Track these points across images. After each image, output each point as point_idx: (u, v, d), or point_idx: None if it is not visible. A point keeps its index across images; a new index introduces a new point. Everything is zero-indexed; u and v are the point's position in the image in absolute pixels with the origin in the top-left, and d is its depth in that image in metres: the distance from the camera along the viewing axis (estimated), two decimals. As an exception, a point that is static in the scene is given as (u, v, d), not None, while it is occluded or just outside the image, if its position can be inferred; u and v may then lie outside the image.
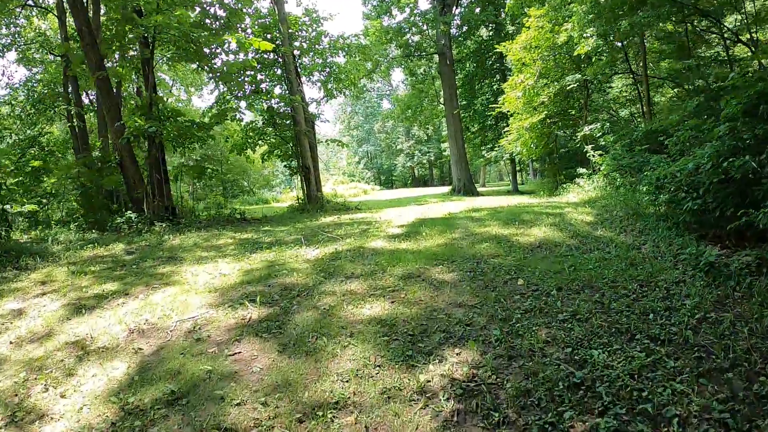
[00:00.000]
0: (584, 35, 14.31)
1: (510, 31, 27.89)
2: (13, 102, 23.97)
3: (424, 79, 33.73)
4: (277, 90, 21.43)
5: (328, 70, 23.93)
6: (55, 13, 20.89)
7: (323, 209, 19.74)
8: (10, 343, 5.36)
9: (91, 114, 22.25)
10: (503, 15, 29.01)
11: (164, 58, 17.98)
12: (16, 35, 23.89)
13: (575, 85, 16.12)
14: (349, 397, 3.67)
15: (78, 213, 17.26)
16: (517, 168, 34.28)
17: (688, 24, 17.34)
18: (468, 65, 31.20)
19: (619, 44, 16.80)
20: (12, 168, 17.07)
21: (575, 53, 15.04)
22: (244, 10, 20.81)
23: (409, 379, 3.83)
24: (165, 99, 32.09)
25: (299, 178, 21.47)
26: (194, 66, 19.81)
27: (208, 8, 16.67)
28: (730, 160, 6.42)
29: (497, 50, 28.71)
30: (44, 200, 18.54)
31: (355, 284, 6.20)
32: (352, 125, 68.00)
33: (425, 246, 8.15)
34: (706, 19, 16.98)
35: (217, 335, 5.12)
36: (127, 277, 7.83)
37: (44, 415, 3.93)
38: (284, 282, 6.66)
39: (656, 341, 4.21)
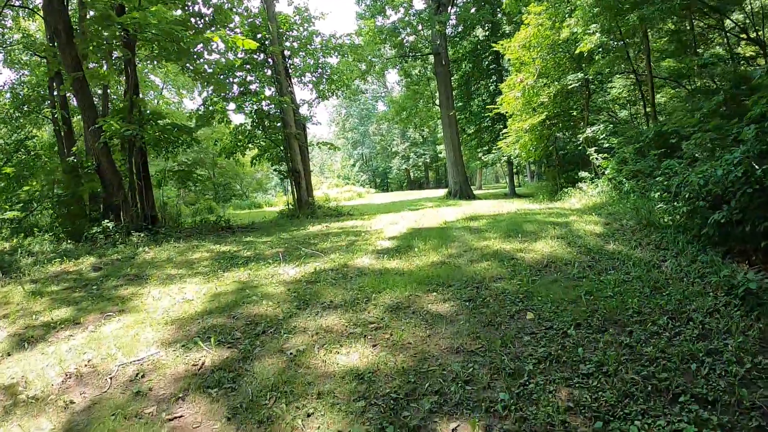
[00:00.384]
0: (588, 31, 13.33)
1: (507, 31, 26.94)
2: (-3, 105, 22.89)
3: (419, 80, 32.73)
4: (268, 92, 20.38)
5: (320, 71, 22.93)
6: (41, 13, 19.84)
7: (314, 215, 18.78)
8: None
9: (78, 117, 21.20)
10: (500, 15, 28.09)
11: (147, 59, 16.85)
12: (2, 35, 22.85)
13: (576, 85, 15.13)
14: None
15: (56, 221, 16.24)
16: (514, 170, 33.29)
17: (693, 20, 16.43)
18: (464, 66, 30.19)
19: (621, 43, 15.80)
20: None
21: (577, 50, 14.06)
22: (234, 10, 19.95)
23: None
24: (147, 101, 31.24)
25: (289, 182, 20.43)
26: (179, 67, 18.79)
27: (191, 6, 15.72)
28: (764, 167, 5.47)
29: (494, 50, 27.94)
30: (31, 206, 17.54)
31: (333, 317, 5.17)
32: (347, 127, 66.78)
33: (417, 265, 7.12)
34: (709, 17, 16.10)
35: (161, 387, 4.11)
36: (84, 300, 6.89)
37: None
38: (251, 313, 5.63)
39: (704, 403, 3.30)
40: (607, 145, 14.35)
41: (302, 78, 23.01)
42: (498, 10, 27.85)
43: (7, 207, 15.99)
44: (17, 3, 21.13)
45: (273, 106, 20.02)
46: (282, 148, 20.19)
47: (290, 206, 20.19)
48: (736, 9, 16.53)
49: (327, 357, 4.25)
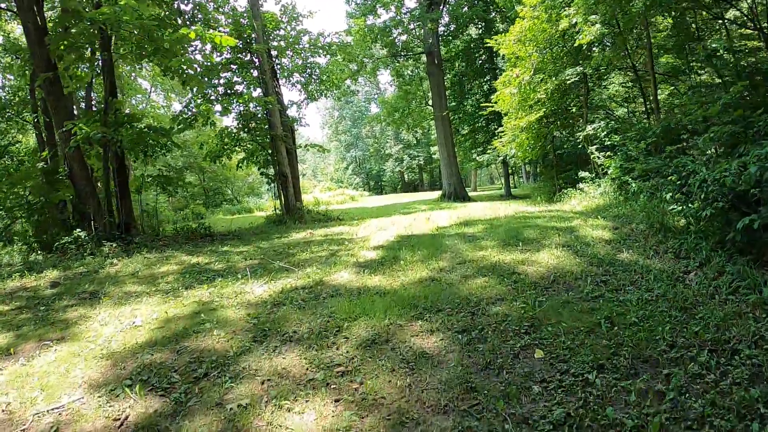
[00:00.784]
0: (588, 22, 12.32)
1: (500, 29, 25.87)
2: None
3: (411, 80, 31.67)
4: (255, 93, 19.27)
5: (309, 71, 21.87)
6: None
7: (302, 220, 17.73)
8: None
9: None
10: (493, 14, 27.11)
11: (121, 58, 15.75)
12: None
13: (576, 79, 14.10)
14: None
15: (28, 231, 15.23)
16: (510, 171, 32.26)
17: (695, 11, 15.46)
18: (457, 65, 29.15)
19: (618, 30, 14.78)
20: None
21: (577, 43, 13.03)
22: (221, 9, 18.92)
23: None
24: (136, 104, 30.17)
25: (276, 187, 19.36)
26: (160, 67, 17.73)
27: (174, 2, 14.76)
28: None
29: (487, 49, 26.92)
30: (13, 213, 16.51)
31: (292, 356, 4.13)
32: (340, 130, 65.53)
33: (402, 282, 6.06)
34: (709, 10, 15.16)
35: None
36: (27, 324, 5.95)
37: None
38: (199, 346, 4.59)
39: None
40: (608, 143, 13.33)
41: (290, 78, 21.95)
42: (491, 7, 26.89)
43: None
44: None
45: (259, 107, 18.96)
46: (269, 150, 19.11)
47: (277, 211, 19.11)
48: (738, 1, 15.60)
49: (275, 416, 3.21)
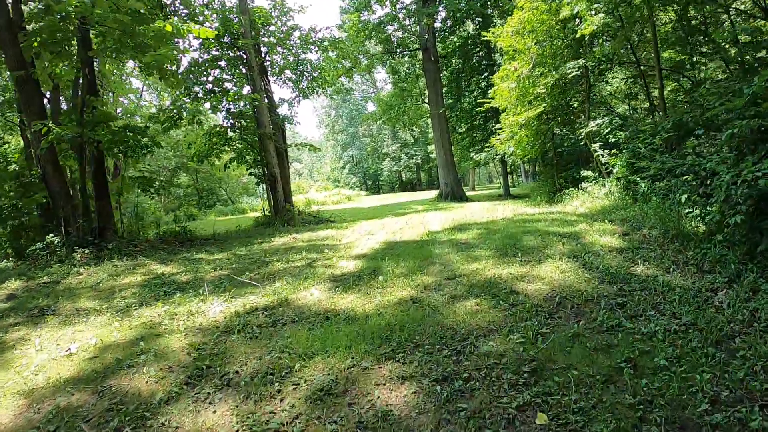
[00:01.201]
0: (592, 10, 11.36)
1: (498, 25, 24.82)
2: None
3: (407, 77, 30.61)
4: (244, 90, 18.26)
5: (300, 67, 20.88)
6: None
7: (291, 222, 16.79)
8: None
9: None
10: (491, 9, 26.07)
11: (97, 54, 14.78)
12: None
13: (577, 73, 13.08)
14: None
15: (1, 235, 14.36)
16: (508, 170, 31.20)
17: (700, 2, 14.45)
18: (454, 62, 28.08)
19: (620, 20, 13.81)
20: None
21: (579, 34, 12.05)
22: (210, 6, 17.99)
23: None
24: (130, 103, 29.17)
25: (265, 187, 18.38)
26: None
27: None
28: None
29: (485, 45, 25.96)
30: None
31: (224, 409, 3.19)
32: (337, 129, 64.27)
33: (378, 304, 5.08)
34: (714, 1, 14.17)
35: None
36: None
37: None
38: (125, 387, 3.74)
39: None
40: (613, 140, 12.32)
41: (281, 75, 20.97)
42: (489, 3, 25.85)
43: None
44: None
45: (248, 105, 18.01)
46: (258, 150, 18.14)
47: (266, 213, 18.15)
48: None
49: None
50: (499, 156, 23.15)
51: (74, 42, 13.15)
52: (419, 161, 56.85)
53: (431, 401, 3.02)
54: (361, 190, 53.19)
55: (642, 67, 16.07)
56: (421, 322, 4.31)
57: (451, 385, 3.19)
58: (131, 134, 13.61)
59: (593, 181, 12.95)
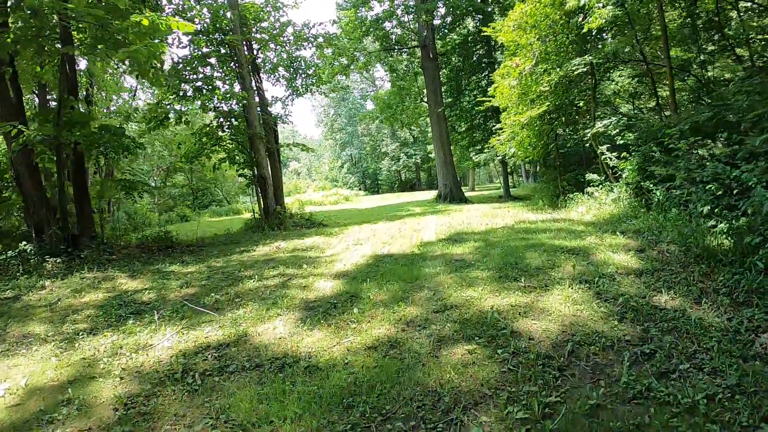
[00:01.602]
0: (599, 3, 10.43)
1: (499, 20, 23.83)
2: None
3: (405, 76, 29.59)
4: (237, 88, 17.29)
5: (294, 65, 19.92)
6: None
7: (282, 226, 15.87)
8: None
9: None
10: (491, 6, 25.05)
11: (76, 49, 13.88)
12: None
13: (584, 70, 12.10)
14: None
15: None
16: (509, 170, 30.17)
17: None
18: (453, 59, 27.05)
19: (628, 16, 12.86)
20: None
21: (586, 28, 11.09)
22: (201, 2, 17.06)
23: None
24: (125, 102, 28.22)
25: (255, 190, 17.42)
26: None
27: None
28: None
29: (485, 43, 24.93)
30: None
31: None
32: (335, 128, 63.07)
33: (349, 346, 4.11)
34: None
35: None
36: None
37: None
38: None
39: None
40: (621, 141, 11.34)
41: (275, 73, 20.02)
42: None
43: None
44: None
45: (239, 104, 17.09)
46: (248, 150, 17.19)
47: (256, 216, 17.21)
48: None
49: None
50: (500, 157, 22.17)
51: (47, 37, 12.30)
52: (419, 161, 55.73)
53: None
54: (359, 189, 52.09)
55: (649, 65, 15.11)
56: (397, 381, 3.36)
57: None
58: (107, 135, 12.76)
59: (599, 186, 12.00)
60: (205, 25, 16.52)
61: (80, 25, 11.70)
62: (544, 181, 18.43)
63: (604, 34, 13.06)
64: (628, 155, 10.47)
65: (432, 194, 30.59)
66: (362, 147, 61.32)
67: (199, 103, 16.97)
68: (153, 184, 33.26)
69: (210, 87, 16.84)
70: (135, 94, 31.69)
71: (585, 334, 3.89)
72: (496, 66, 23.90)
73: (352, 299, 5.39)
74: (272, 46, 19.28)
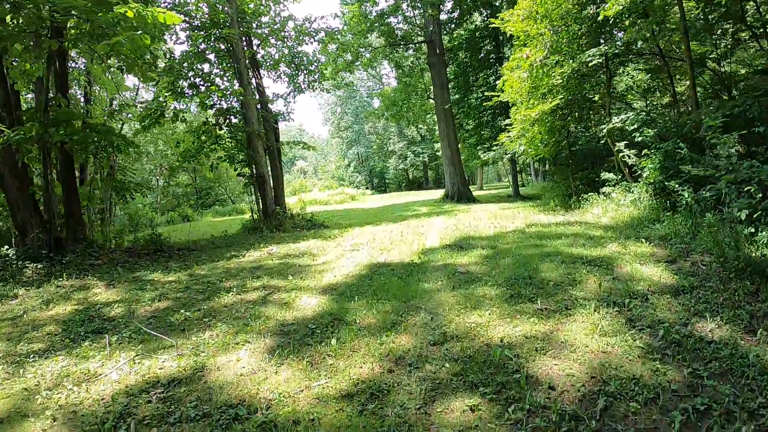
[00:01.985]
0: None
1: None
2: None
3: (411, 72, 28.64)
4: (237, 86, 16.48)
5: (296, 60, 19.11)
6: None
7: (281, 227, 15.05)
8: None
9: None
10: (498, 1, 24.04)
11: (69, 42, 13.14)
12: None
13: (599, 61, 11.15)
14: None
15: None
16: (518, 168, 29.15)
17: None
18: (461, 55, 26.08)
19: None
20: None
21: (602, 15, 10.14)
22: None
23: None
24: (128, 100, 27.53)
25: (253, 189, 16.61)
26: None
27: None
28: None
29: (493, 38, 23.95)
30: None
31: None
32: (342, 126, 62.02)
33: (320, 392, 3.22)
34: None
35: None
36: None
37: None
38: None
39: None
40: (639, 138, 10.38)
41: (276, 69, 19.22)
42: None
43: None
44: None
45: (237, 101, 16.32)
46: (248, 149, 16.38)
47: (254, 216, 16.40)
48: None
49: None
50: (509, 155, 21.20)
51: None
52: (426, 159, 54.64)
53: None
54: (366, 188, 51.09)
55: (666, 59, 14.14)
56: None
57: None
58: (93, 134, 12.06)
59: (615, 185, 11.06)
60: (203, 20, 15.74)
61: (69, 21, 11.01)
62: (555, 180, 17.48)
63: (619, 24, 12.07)
64: (649, 152, 9.51)
65: (439, 193, 29.67)
66: (369, 145, 60.29)
67: (197, 100, 16.23)
68: (159, 184, 32.65)
69: (208, 84, 16.10)
70: (138, 93, 31.04)
71: (620, 381, 3.00)
72: (505, 61, 22.93)
73: (333, 323, 4.52)
74: (273, 41, 18.50)
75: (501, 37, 23.06)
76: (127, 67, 11.64)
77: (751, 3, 12.63)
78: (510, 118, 14.54)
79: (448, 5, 25.31)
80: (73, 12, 9.87)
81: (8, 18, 10.29)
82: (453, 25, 25.79)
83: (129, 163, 21.76)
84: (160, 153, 28.92)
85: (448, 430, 2.63)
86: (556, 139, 13.54)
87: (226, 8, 15.67)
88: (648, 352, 3.39)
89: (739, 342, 3.48)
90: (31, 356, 4.57)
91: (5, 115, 11.19)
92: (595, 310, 4.12)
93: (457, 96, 25.94)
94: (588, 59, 11.15)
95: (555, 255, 6.32)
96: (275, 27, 18.11)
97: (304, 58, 19.08)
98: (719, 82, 14.73)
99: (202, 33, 15.79)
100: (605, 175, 11.51)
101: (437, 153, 45.22)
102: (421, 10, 24.03)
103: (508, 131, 14.38)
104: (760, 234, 5.57)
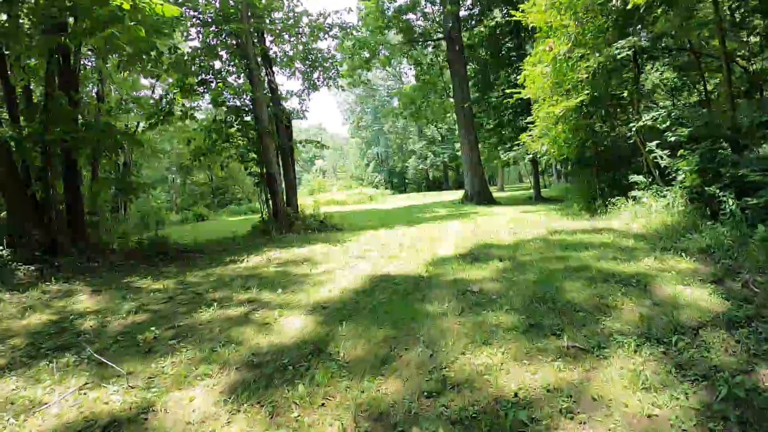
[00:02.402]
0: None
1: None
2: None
3: (430, 69, 27.73)
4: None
5: (311, 57, 18.42)
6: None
7: (292, 229, 14.37)
8: None
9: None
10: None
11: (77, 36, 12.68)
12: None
13: (629, 53, 10.19)
14: None
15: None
16: (540, 169, 28.04)
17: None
18: (481, 52, 25.10)
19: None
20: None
21: (632, 3, 9.19)
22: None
23: None
24: (143, 100, 27.19)
25: (263, 190, 15.95)
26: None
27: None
28: None
29: (515, 35, 22.89)
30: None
31: None
32: (361, 125, 61.10)
33: None
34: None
35: None
36: None
37: None
38: None
39: None
40: (672, 138, 9.39)
41: (290, 66, 18.54)
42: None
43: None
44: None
45: (246, 98, 15.71)
46: (258, 147, 15.73)
47: (265, 217, 15.74)
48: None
49: None
50: (530, 155, 20.20)
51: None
52: (446, 159, 53.52)
53: None
54: (386, 188, 50.23)
55: (697, 54, 13.11)
56: None
57: None
58: (93, 133, 11.56)
59: (646, 189, 10.07)
60: (213, 15, 15.16)
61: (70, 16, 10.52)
62: (578, 181, 16.45)
63: (649, 16, 11.07)
64: (684, 153, 8.54)
65: (459, 194, 28.76)
66: (389, 145, 59.37)
67: (208, 98, 15.67)
68: (177, 182, 32.31)
69: (219, 81, 15.51)
70: (153, 91, 30.67)
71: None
72: (526, 59, 21.91)
73: (313, 354, 3.73)
74: (287, 37, 17.82)
75: (522, 34, 22.04)
76: (126, 61, 11.08)
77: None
78: (532, 112, 13.61)
79: (468, 1, 24.39)
80: (67, 3, 9.38)
81: (3, 16, 9.87)
82: (473, 22, 24.84)
83: (144, 161, 21.40)
84: (175, 150, 28.53)
85: None
86: (580, 138, 12.57)
87: (232, 1, 15.06)
88: (707, 416, 2.54)
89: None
90: (-5, 376, 3.94)
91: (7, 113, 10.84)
92: (634, 351, 3.26)
93: (477, 94, 24.98)
94: (616, 51, 10.21)
95: (582, 270, 5.46)
96: (289, 23, 17.44)
97: (319, 55, 18.39)
98: (749, 80, 13.62)
99: (212, 29, 15.20)
100: (634, 178, 10.52)
101: (457, 153, 44.24)
102: (440, 6, 23.14)
103: (530, 130, 13.45)
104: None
